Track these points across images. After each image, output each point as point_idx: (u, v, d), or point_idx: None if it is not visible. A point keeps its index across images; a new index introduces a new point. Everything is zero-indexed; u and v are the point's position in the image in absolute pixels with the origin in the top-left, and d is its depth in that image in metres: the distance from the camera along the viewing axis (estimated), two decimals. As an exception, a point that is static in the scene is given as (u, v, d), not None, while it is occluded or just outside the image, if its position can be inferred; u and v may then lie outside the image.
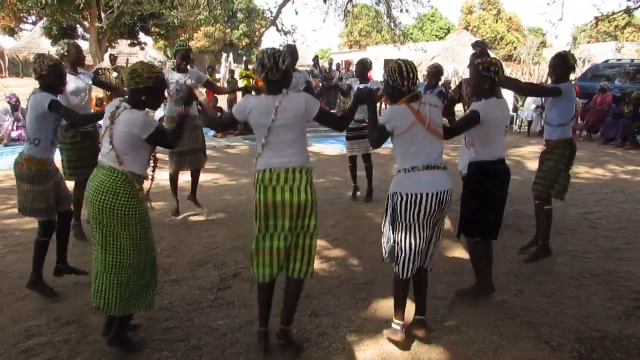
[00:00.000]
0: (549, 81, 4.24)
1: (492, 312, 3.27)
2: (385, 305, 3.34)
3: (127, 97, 2.68)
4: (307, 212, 2.62)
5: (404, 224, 2.70)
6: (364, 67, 5.90)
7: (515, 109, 12.67)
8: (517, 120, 12.61)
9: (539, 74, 20.43)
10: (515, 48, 39.69)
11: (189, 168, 5.14)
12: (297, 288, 2.75)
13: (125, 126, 2.53)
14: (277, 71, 2.56)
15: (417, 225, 2.70)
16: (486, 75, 3.14)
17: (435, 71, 5.77)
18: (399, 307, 2.86)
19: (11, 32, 22.89)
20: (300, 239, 2.67)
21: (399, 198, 2.68)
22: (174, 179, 5.16)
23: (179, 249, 4.35)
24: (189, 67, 5.03)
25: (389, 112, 2.75)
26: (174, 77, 4.87)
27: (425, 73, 5.99)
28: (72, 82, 4.15)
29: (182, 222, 5.09)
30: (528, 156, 9.33)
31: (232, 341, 2.89)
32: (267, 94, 2.61)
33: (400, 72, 2.68)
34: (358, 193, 6.06)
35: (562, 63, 3.98)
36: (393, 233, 2.76)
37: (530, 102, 11.87)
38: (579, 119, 11.54)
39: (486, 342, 2.90)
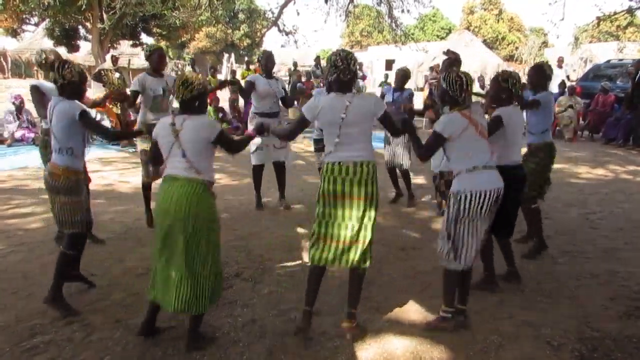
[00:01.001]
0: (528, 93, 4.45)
1: (493, 312, 3.29)
2: (387, 305, 3.36)
3: (175, 109, 2.86)
4: (371, 203, 2.84)
5: (467, 219, 2.92)
6: (405, 77, 5.83)
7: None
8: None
9: (541, 74, 20.38)
10: (516, 48, 39.63)
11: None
12: (360, 278, 2.96)
13: (194, 132, 2.68)
14: (349, 72, 2.81)
15: (479, 220, 2.93)
16: (504, 86, 3.45)
17: (403, 74, 5.83)
18: (451, 297, 3.05)
19: (14, 33, 22.98)
20: (361, 229, 2.85)
21: (464, 196, 2.89)
22: (147, 187, 4.86)
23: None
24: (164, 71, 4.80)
25: (445, 120, 2.96)
26: (148, 83, 4.62)
27: (394, 76, 5.95)
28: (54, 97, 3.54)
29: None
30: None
31: (235, 340, 2.91)
32: (336, 93, 2.83)
33: (461, 85, 2.93)
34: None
35: (539, 74, 4.22)
36: (456, 228, 2.95)
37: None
38: (581, 119, 11.54)
39: (487, 342, 2.92)
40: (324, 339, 2.94)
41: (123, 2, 9.40)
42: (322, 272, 2.99)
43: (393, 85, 5.99)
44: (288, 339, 2.93)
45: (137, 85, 4.64)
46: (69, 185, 3.14)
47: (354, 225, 2.83)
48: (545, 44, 38.61)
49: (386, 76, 18.74)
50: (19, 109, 9.89)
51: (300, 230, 4.92)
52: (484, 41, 35.45)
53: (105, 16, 18.95)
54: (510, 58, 36.96)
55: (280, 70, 30.89)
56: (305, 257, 4.16)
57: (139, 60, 32.00)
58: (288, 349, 2.84)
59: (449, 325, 3.03)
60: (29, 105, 9.13)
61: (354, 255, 2.86)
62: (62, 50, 26.26)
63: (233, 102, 13.04)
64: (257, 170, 5.58)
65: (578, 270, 4.01)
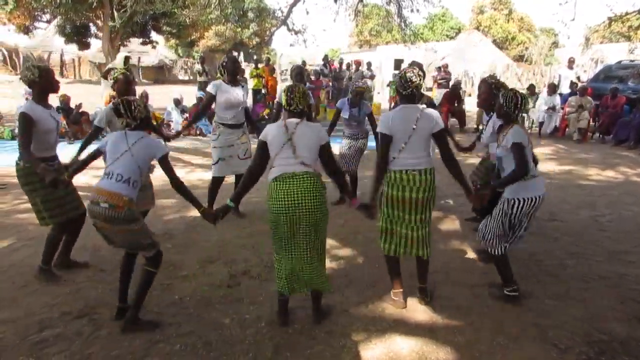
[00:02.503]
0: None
1: (499, 314, 3.28)
2: (391, 305, 3.36)
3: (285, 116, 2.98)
4: (430, 205, 3.22)
5: (517, 220, 3.33)
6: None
7: (527, 110, 12.58)
8: (528, 122, 12.53)
9: (551, 74, 20.24)
10: (526, 48, 39.34)
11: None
12: (426, 264, 3.36)
13: (311, 137, 2.91)
14: (413, 86, 3.15)
15: (526, 219, 3.37)
16: (496, 93, 3.75)
17: (361, 91, 5.55)
18: (509, 275, 3.46)
19: (26, 30, 23.18)
20: (424, 227, 3.23)
21: (517, 202, 3.27)
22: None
23: (189, 246, 4.39)
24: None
25: (519, 133, 3.25)
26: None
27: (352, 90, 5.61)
28: (44, 117, 3.45)
29: (193, 220, 5.13)
30: (539, 157, 9.25)
31: (241, 337, 2.93)
32: (404, 106, 3.16)
33: (516, 103, 3.29)
34: None
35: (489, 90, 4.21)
36: (504, 227, 3.36)
37: (542, 104, 11.80)
38: (591, 120, 11.44)
39: (493, 344, 2.91)
40: (330, 337, 2.95)
41: (134, 0, 9.44)
42: (398, 260, 3.37)
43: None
44: (294, 337, 2.95)
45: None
46: (131, 217, 2.86)
47: (418, 226, 3.20)
48: (555, 44, 38.31)
49: (395, 76, 18.70)
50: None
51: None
52: (494, 41, 35.25)
53: (116, 14, 19.08)
54: (520, 58, 36.69)
55: (287, 69, 30.95)
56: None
57: (149, 58, 32.31)
58: (294, 347, 2.85)
59: (517, 293, 3.43)
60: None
61: (420, 249, 3.25)
62: (74, 48, 26.53)
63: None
64: (217, 183, 5.15)
65: (586, 272, 3.99)
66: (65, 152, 3.74)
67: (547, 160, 9.04)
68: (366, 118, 5.57)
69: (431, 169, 3.17)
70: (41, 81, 3.45)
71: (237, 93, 4.93)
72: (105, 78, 11.54)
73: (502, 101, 3.35)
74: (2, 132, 9.72)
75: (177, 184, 3.05)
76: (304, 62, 17.19)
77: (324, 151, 2.95)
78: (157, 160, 3.02)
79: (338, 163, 3.25)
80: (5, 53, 25.88)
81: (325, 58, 17.14)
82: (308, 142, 2.89)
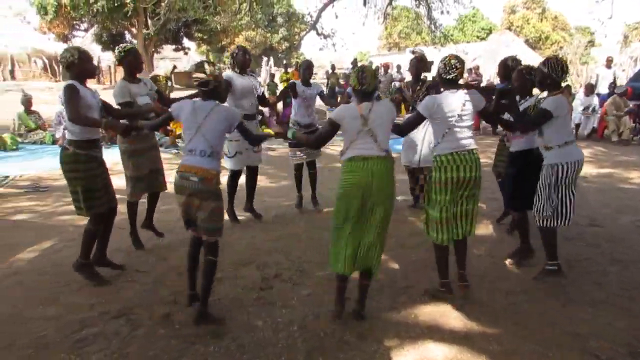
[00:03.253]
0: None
1: (536, 321, 3.19)
2: (426, 311, 3.32)
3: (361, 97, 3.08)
4: (479, 183, 3.37)
5: (563, 186, 3.56)
6: (506, 67, 5.19)
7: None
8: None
9: (587, 74, 19.64)
10: (561, 48, 38.29)
11: (148, 192, 4.46)
12: (465, 244, 3.49)
13: (385, 116, 3.04)
14: (457, 72, 3.30)
15: (573, 185, 3.59)
16: (529, 78, 3.95)
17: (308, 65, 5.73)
18: (553, 250, 3.68)
19: (65, 38, 24.08)
20: (469, 204, 3.37)
21: (560, 167, 3.53)
22: (134, 209, 4.38)
23: (222, 249, 4.40)
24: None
25: (556, 102, 3.50)
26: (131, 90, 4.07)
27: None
28: (86, 93, 3.49)
29: (226, 224, 5.18)
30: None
31: (274, 341, 2.95)
32: (449, 91, 3.29)
33: (562, 67, 3.55)
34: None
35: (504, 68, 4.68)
36: (556, 195, 3.58)
37: (578, 105, 11.44)
38: (632, 121, 11.03)
39: (529, 353, 2.84)
40: (362, 343, 2.94)
41: (167, 8, 9.68)
42: (447, 249, 3.43)
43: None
44: (326, 341, 2.94)
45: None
46: (218, 190, 3.10)
47: (469, 203, 3.35)
48: (591, 43, 37.15)
49: (425, 78, 18.50)
50: None
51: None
52: (526, 41, 34.47)
53: (150, 22, 19.60)
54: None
55: (318, 73, 31.08)
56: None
57: (181, 63, 32.96)
58: (326, 351, 2.85)
59: (556, 277, 3.66)
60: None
61: (467, 227, 3.39)
62: (110, 55, 27.38)
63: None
64: (236, 176, 5.20)
65: (628, 279, 3.84)
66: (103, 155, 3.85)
67: (585, 162, 8.71)
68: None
69: (476, 149, 3.34)
70: (80, 63, 3.47)
71: (249, 80, 4.99)
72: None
73: (547, 70, 3.55)
74: (44, 136, 10.09)
75: (254, 141, 3.63)
76: (333, 66, 17.25)
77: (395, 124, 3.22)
78: (235, 127, 3.16)
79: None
80: (46, 61, 26.89)
81: (355, 62, 17.13)
82: (383, 123, 3.02)
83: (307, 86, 5.49)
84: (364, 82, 3.00)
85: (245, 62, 4.97)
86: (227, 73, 4.89)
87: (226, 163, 5.03)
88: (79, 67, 3.48)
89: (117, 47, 4.19)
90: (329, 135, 3.15)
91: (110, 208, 3.81)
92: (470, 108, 3.28)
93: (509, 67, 4.63)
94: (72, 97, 3.34)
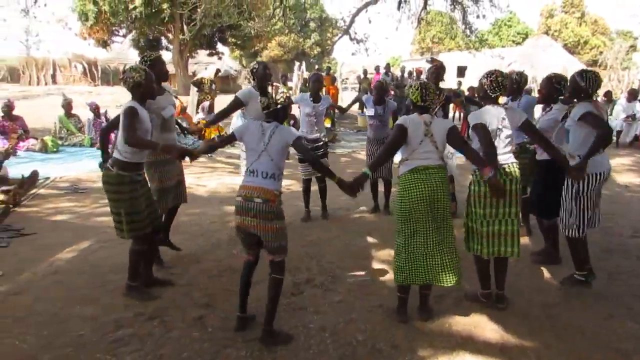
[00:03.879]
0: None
1: (576, 335, 3.07)
2: (460, 321, 3.25)
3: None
4: (519, 200, 3.32)
5: (586, 197, 3.54)
6: (512, 81, 4.89)
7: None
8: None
9: (629, 80, 18.95)
10: (600, 53, 37.11)
11: (172, 204, 4.21)
12: (505, 264, 3.44)
13: (443, 130, 3.14)
14: (503, 90, 3.39)
15: (595, 194, 3.58)
16: (557, 87, 4.03)
17: (380, 85, 5.77)
18: (581, 260, 3.68)
19: (104, 44, 24.82)
20: (515, 223, 3.32)
21: (585, 178, 3.47)
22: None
23: (253, 253, 4.46)
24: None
25: (588, 107, 3.47)
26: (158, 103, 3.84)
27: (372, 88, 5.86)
28: (145, 118, 3.36)
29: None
30: (617, 169, 8.65)
31: (305, 347, 2.93)
32: (491, 106, 3.36)
33: (598, 82, 3.59)
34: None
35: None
36: (576, 205, 3.56)
37: (620, 111, 11.04)
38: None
39: (571, 368, 2.73)
40: (395, 352, 2.89)
41: (203, 14, 9.87)
42: (489, 262, 3.44)
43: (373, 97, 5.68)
44: (359, 350, 2.91)
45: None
46: (282, 210, 3.03)
47: (513, 220, 3.29)
48: (633, 47, 35.87)
49: (459, 83, 18.24)
50: (97, 114, 10.80)
51: (370, 239, 4.88)
52: (564, 45, 33.55)
53: (185, 27, 20.04)
54: (593, 63, 34.67)
55: (349, 78, 31.07)
56: (375, 267, 4.13)
57: (214, 68, 33.57)
58: (358, 359, 2.81)
59: (582, 286, 3.64)
60: (111, 110, 9.87)
61: (510, 246, 3.31)
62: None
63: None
64: (308, 184, 5.55)
65: (676, 295, 3.66)
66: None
67: (627, 171, 8.45)
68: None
69: (516, 163, 3.36)
70: (146, 84, 3.34)
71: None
72: (195, 85, 12.09)
73: (583, 83, 3.53)
74: (83, 139, 10.41)
75: (313, 162, 3.42)
76: (365, 71, 17.21)
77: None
78: (291, 145, 3.05)
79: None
80: (85, 66, 27.83)
81: (387, 66, 17.04)
82: (442, 136, 3.13)
83: (317, 101, 5.35)
84: (426, 99, 3.15)
85: (264, 78, 4.69)
86: (247, 91, 4.64)
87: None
88: (145, 87, 3.34)
89: (142, 57, 3.86)
90: (398, 141, 3.17)
91: (154, 229, 3.61)
92: (508, 124, 3.31)
93: (513, 80, 4.76)
94: (132, 122, 3.21)
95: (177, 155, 3.36)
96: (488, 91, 3.37)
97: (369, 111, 5.63)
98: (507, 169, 3.27)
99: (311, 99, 5.35)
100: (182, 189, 4.26)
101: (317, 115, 5.36)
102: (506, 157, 3.30)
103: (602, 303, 3.51)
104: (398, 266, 3.15)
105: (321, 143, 5.37)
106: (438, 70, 5.25)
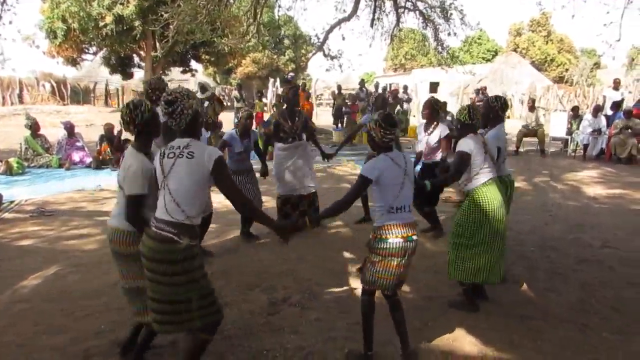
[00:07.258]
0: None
1: (554, 348, 3.09)
2: (438, 335, 3.23)
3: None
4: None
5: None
6: (432, 107, 5.25)
7: (570, 133, 12.20)
8: (572, 144, 12.12)
9: (594, 96, 19.63)
10: (566, 70, 38.42)
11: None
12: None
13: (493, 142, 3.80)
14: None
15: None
16: (493, 104, 4.01)
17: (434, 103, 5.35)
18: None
19: (73, 62, 24.42)
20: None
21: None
22: None
23: (229, 273, 4.37)
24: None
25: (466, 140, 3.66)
26: None
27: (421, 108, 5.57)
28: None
29: (233, 247, 5.14)
30: (585, 181, 8.90)
31: (283, 368, 2.86)
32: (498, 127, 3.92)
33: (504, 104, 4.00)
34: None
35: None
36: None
37: (587, 126, 11.38)
38: (638, 142, 10.91)
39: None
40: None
41: (175, 31, 9.78)
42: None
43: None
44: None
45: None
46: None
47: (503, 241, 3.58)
48: (597, 65, 37.28)
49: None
50: (70, 133, 10.64)
51: (346, 254, 4.85)
52: (532, 63, 34.62)
53: (158, 45, 19.90)
54: (560, 80, 35.81)
55: (324, 94, 31.30)
56: (353, 284, 4.08)
57: (188, 85, 33.38)
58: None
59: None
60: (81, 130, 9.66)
61: (502, 269, 3.66)
62: (118, 78, 27.76)
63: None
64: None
65: (647, 304, 3.73)
66: (109, 179, 3.81)
67: (595, 183, 8.67)
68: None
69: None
70: (153, 122, 2.70)
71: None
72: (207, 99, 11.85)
73: (495, 104, 3.93)
74: (50, 160, 10.12)
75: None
76: (339, 87, 17.35)
77: None
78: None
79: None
80: (54, 84, 27.26)
81: (362, 82, 17.24)
82: (493, 148, 3.68)
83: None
84: (475, 118, 3.55)
85: (296, 103, 5.38)
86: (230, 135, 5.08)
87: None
88: (151, 126, 2.69)
89: (129, 106, 2.66)
90: (465, 163, 3.46)
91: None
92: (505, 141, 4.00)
93: (432, 106, 5.21)
94: (145, 183, 2.60)
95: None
96: (499, 111, 3.92)
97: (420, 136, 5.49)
98: (501, 183, 3.70)
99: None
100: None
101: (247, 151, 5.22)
102: (498, 174, 3.69)
103: (578, 315, 3.55)
104: (484, 269, 3.46)
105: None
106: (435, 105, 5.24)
